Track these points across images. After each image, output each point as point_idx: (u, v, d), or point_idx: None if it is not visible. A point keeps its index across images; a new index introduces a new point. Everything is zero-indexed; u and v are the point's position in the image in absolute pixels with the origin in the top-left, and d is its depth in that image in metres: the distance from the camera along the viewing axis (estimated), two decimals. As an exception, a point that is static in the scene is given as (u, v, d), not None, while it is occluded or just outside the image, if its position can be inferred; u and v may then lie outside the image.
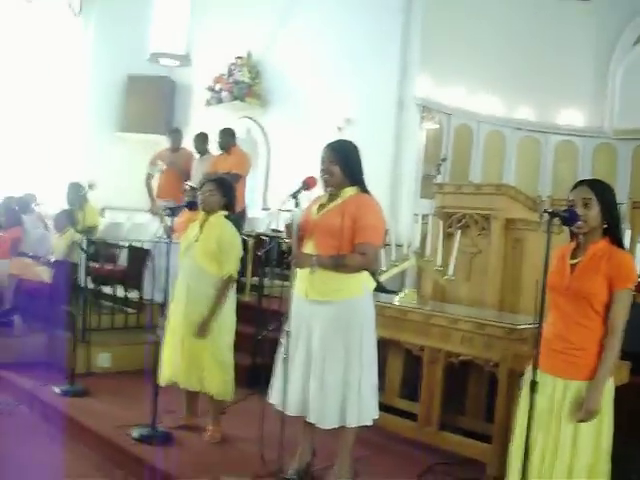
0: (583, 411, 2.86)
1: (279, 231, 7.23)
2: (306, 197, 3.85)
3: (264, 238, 7.99)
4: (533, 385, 2.83)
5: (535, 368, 2.83)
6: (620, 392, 3.43)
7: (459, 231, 4.98)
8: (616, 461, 3.05)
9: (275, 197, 10.59)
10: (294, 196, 3.70)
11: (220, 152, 8.10)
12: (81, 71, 12.15)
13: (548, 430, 2.96)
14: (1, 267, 6.88)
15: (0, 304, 6.71)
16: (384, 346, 4.92)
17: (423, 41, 9.10)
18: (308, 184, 3.75)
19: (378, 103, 9.28)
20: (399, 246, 5.25)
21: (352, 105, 9.55)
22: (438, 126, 9.35)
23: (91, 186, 6.19)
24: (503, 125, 10.01)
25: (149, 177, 8.65)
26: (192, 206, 4.76)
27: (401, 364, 5.18)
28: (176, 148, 8.65)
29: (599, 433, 2.93)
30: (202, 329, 4.53)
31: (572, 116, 10.17)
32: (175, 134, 8.79)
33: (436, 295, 5.24)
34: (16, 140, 11.62)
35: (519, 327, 4.11)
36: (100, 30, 12.11)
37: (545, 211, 2.78)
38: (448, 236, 5.13)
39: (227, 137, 8.05)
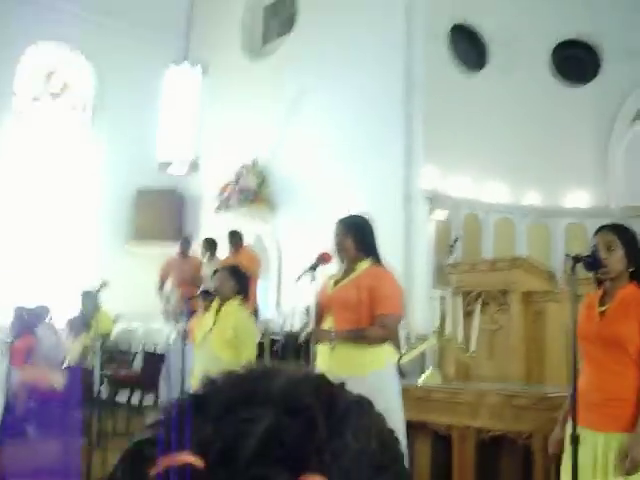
0: (628, 462, 2.71)
1: (292, 332, 7.17)
2: (321, 273, 3.83)
3: (278, 339, 7.90)
4: (575, 439, 2.69)
5: (574, 422, 2.71)
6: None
7: (479, 306, 4.92)
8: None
9: (287, 299, 10.54)
10: (311, 270, 3.67)
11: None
12: (92, 184, 12.35)
13: (594, 486, 2.81)
14: (15, 376, 6.77)
15: (13, 413, 6.57)
16: (410, 429, 4.75)
17: (426, 132, 9.25)
18: (324, 258, 3.74)
19: (385, 197, 9.34)
20: (416, 340, 5.19)
21: (359, 201, 9.58)
22: (446, 217, 9.39)
23: (103, 285, 6.17)
24: (511, 212, 10.04)
25: (160, 285, 8.69)
26: (207, 295, 4.72)
27: (429, 448, 4.98)
28: (185, 255, 8.75)
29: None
30: None
31: (578, 198, 10.21)
32: (185, 242, 8.92)
33: (459, 374, 5.11)
34: (28, 251, 11.70)
35: (549, 395, 3.98)
36: (110, 142, 12.33)
37: (568, 255, 2.73)
38: (467, 314, 5.05)
39: (235, 238, 8.13)
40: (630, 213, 9.86)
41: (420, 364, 6.21)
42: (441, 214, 9.31)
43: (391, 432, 0.64)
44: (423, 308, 8.46)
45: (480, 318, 4.89)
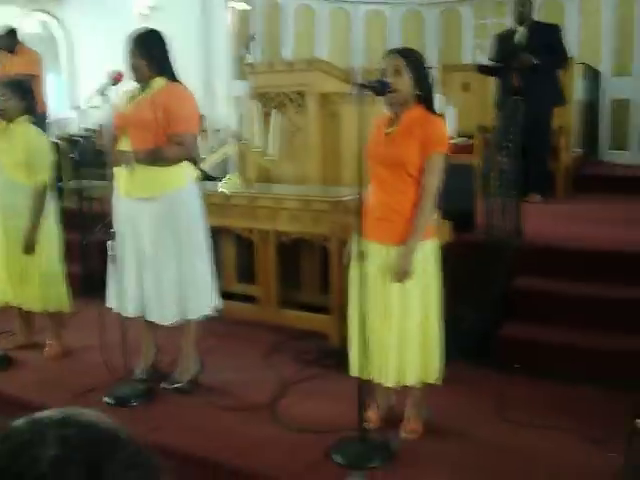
0: (396, 272, 2.98)
1: (92, 130, 6.90)
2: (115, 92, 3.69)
3: (77, 139, 7.62)
4: (361, 255, 2.91)
5: (360, 237, 2.91)
6: (445, 251, 3.63)
7: (275, 110, 4.95)
8: (446, 315, 3.25)
9: (84, 94, 10.04)
10: (101, 92, 3.53)
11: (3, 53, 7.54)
12: None
13: (376, 294, 3.08)
14: None
15: None
16: (214, 234, 4.90)
17: None
18: (115, 79, 3.58)
19: (180, -14, 8.87)
20: (217, 131, 5.17)
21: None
22: (245, 4, 9.10)
23: None
24: (311, -2, 9.88)
25: None
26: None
27: (234, 249, 5.21)
28: None
29: (425, 291, 3.09)
30: (27, 245, 4.28)
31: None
32: None
33: (260, 177, 5.21)
34: None
35: (344, 199, 4.20)
36: None
37: (355, 84, 2.79)
38: (265, 117, 5.08)
39: (8, 40, 7.46)
40: (427, 1, 10.01)
41: (223, 168, 6.28)
42: (239, 2, 9.00)
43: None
44: (224, 101, 8.40)
45: (278, 120, 4.94)
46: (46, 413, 0.73)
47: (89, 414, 0.74)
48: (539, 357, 4.06)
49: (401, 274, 2.97)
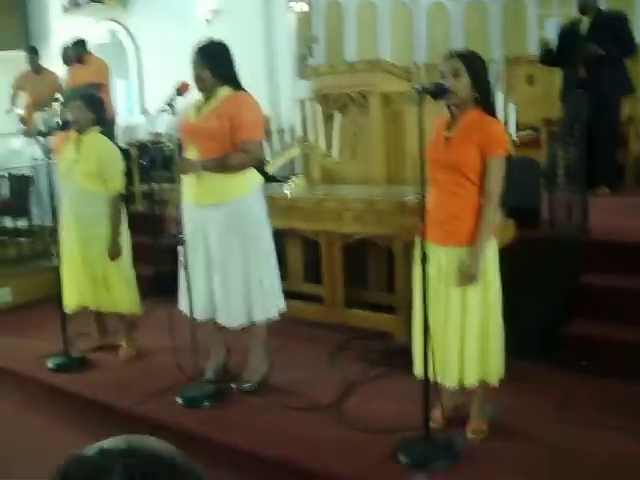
0: (462, 275, 3.02)
1: (160, 135, 7.09)
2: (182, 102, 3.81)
3: (146, 144, 7.83)
4: (424, 258, 2.95)
5: (423, 241, 2.95)
6: (509, 248, 3.64)
7: (338, 112, 5.01)
8: (510, 313, 3.26)
9: (152, 99, 10.29)
10: (169, 104, 3.64)
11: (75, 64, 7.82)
12: None
13: (438, 296, 3.12)
14: None
15: None
16: (281, 236, 5.00)
17: None
18: (181, 90, 3.70)
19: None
20: (282, 131, 5.26)
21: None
22: (306, 5, 9.17)
23: None
24: (372, -5, 9.88)
25: (15, 96, 8.31)
26: (65, 126, 4.59)
27: (300, 250, 5.29)
28: (37, 70, 8.32)
29: (486, 293, 3.10)
30: (113, 252, 4.51)
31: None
32: (32, 55, 8.41)
33: (325, 178, 5.29)
34: None
35: (407, 200, 4.23)
36: None
37: (414, 88, 2.82)
38: (328, 118, 5.14)
39: (77, 50, 7.74)
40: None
41: (289, 169, 6.38)
42: (301, 3, 9.07)
43: None
44: (288, 102, 8.49)
45: (342, 120, 5.00)
46: (113, 442, 0.81)
47: (150, 443, 0.82)
48: (606, 355, 4.02)
49: (467, 277, 3.00)
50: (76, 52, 7.69)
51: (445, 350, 3.11)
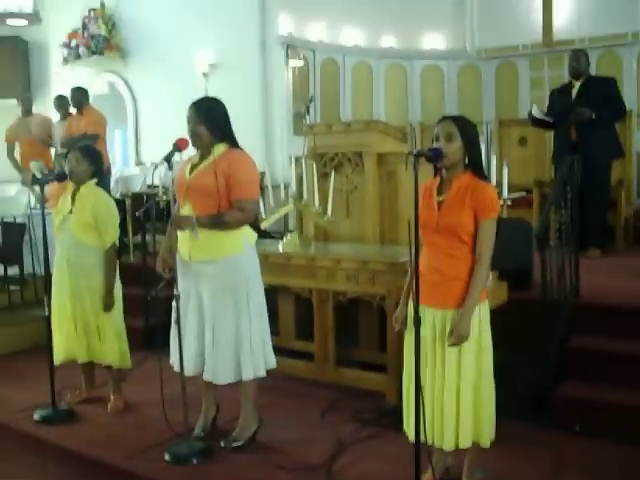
0: (453, 336, 3.03)
1: (155, 187, 7.14)
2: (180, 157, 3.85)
3: (141, 195, 7.86)
4: (417, 321, 2.95)
5: (417, 304, 2.96)
6: (501, 310, 3.65)
7: (333, 171, 5.07)
8: (502, 374, 3.26)
9: (148, 151, 10.39)
10: (167, 159, 3.67)
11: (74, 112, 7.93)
12: None
13: (433, 359, 3.13)
14: None
15: None
16: (274, 292, 5.01)
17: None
18: (179, 146, 3.73)
19: (241, 46, 9.18)
20: (276, 187, 5.31)
21: (215, 50, 9.41)
22: (303, 63, 9.34)
23: None
24: (368, 55, 10.09)
25: (10, 149, 8.41)
26: (61, 177, 4.62)
27: (292, 307, 5.29)
28: (28, 113, 8.45)
29: (479, 354, 3.12)
30: (107, 304, 4.53)
31: (434, 40, 10.35)
32: (25, 98, 8.57)
33: (318, 236, 5.34)
34: None
35: (400, 260, 4.26)
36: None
37: (410, 153, 2.87)
38: (323, 176, 5.21)
39: (80, 96, 7.86)
40: (484, 55, 10.14)
41: (284, 223, 6.43)
42: (298, 60, 9.24)
43: None
44: (283, 158, 8.57)
45: (336, 179, 5.05)
46: None
47: None
48: (598, 418, 4.00)
49: (458, 338, 3.02)
50: (77, 97, 7.79)
51: (441, 413, 3.11)
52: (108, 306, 4.53)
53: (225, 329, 3.76)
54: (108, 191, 6.96)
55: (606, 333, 4.44)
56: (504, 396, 3.27)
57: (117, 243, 4.61)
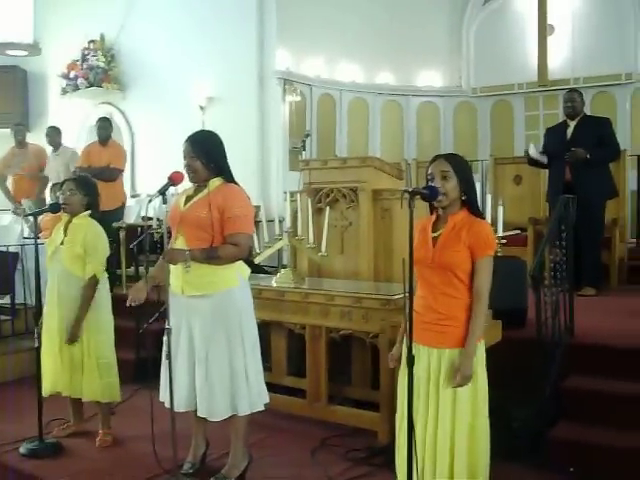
0: (458, 377, 2.99)
1: (149, 219, 7.14)
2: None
3: (135, 227, 7.86)
4: (410, 361, 2.92)
5: (410, 343, 2.93)
6: (495, 348, 3.62)
7: (328, 207, 5.08)
8: (496, 414, 3.22)
9: (143, 182, 10.40)
10: (161, 192, 3.64)
11: (92, 142, 7.92)
12: None
13: (427, 398, 3.09)
14: None
15: None
16: (266, 327, 4.98)
17: (279, 15, 9.13)
18: (174, 180, 3.70)
19: (239, 80, 9.25)
20: (270, 221, 5.30)
21: (213, 83, 9.48)
22: (300, 98, 9.40)
23: None
24: (365, 91, 10.16)
25: (1, 179, 8.41)
26: (55, 209, 4.60)
27: (285, 343, 5.25)
28: (22, 144, 8.45)
29: (474, 394, 3.08)
30: (71, 334, 4.44)
31: (431, 77, 10.44)
32: (18, 129, 8.57)
33: (312, 271, 5.32)
34: None
35: (394, 298, 4.24)
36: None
37: (406, 191, 2.86)
38: (318, 211, 5.21)
39: (107, 128, 7.83)
40: (480, 93, 10.22)
41: (277, 258, 6.41)
42: (295, 95, 9.30)
43: None
44: (278, 192, 8.60)
45: (331, 215, 5.05)
46: None
47: None
48: (592, 459, 3.96)
49: (463, 379, 2.99)
50: (107, 132, 7.77)
51: (434, 452, 3.06)
52: (73, 337, 4.43)
53: (218, 364, 3.71)
54: (117, 224, 6.98)
55: (601, 373, 4.41)
56: (497, 436, 3.23)
57: (99, 275, 4.53)
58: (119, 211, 7.61)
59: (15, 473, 4.30)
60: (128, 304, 3.95)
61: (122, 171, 7.69)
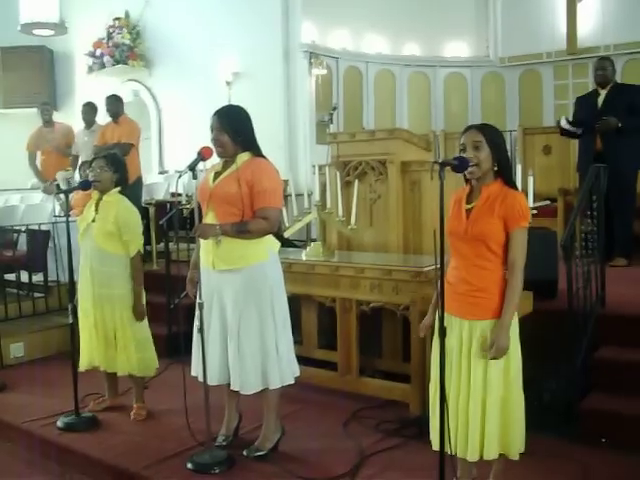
0: (494, 350, 2.98)
1: (179, 194, 7.17)
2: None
3: (165, 203, 7.90)
4: (442, 332, 2.92)
5: (442, 314, 2.93)
6: (526, 320, 3.60)
7: (356, 180, 5.06)
8: (527, 385, 3.22)
9: (171, 159, 10.45)
10: (191, 168, 3.66)
11: (108, 121, 7.95)
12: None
13: (459, 369, 3.09)
14: None
15: None
16: (297, 301, 5.00)
17: (303, -13, 9.05)
18: (204, 155, 3.71)
19: (264, 54, 9.22)
20: (299, 195, 5.30)
21: (239, 58, 9.46)
22: (326, 71, 9.35)
23: None
24: (391, 63, 10.10)
25: (31, 158, 8.50)
26: (85, 186, 4.63)
27: (315, 316, 5.27)
28: (49, 123, 8.52)
29: (507, 366, 3.07)
30: (138, 312, 4.55)
31: (458, 47, 10.34)
32: (44, 108, 8.62)
33: (342, 244, 5.33)
34: None
35: (424, 269, 4.23)
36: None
37: (435, 162, 2.84)
38: (347, 184, 5.20)
39: (117, 104, 7.85)
40: (507, 63, 10.09)
41: (306, 231, 6.42)
42: (321, 68, 9.25)
43: None
44: (307, 166, 8.58)
45: (360, 187, 5.04)
46: None
47: None
48: (625, 430, 3.95)
49: (499, 351, 2.98)
50: (114, 106, 7.80)
51: (466, 423, 3.07)
52: (139, 314, 4.56)
53: (250, 338, 3.74)
54: (139, 201, 7.02)
55: (632, 344, 4.38)
56: (529, 408, 3.23)
57: (142, 251, 4.62)
58: (135, 186, 7.61)
59: (52, 446, 4.39)
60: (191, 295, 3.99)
61: (133, 145, 7.68)
